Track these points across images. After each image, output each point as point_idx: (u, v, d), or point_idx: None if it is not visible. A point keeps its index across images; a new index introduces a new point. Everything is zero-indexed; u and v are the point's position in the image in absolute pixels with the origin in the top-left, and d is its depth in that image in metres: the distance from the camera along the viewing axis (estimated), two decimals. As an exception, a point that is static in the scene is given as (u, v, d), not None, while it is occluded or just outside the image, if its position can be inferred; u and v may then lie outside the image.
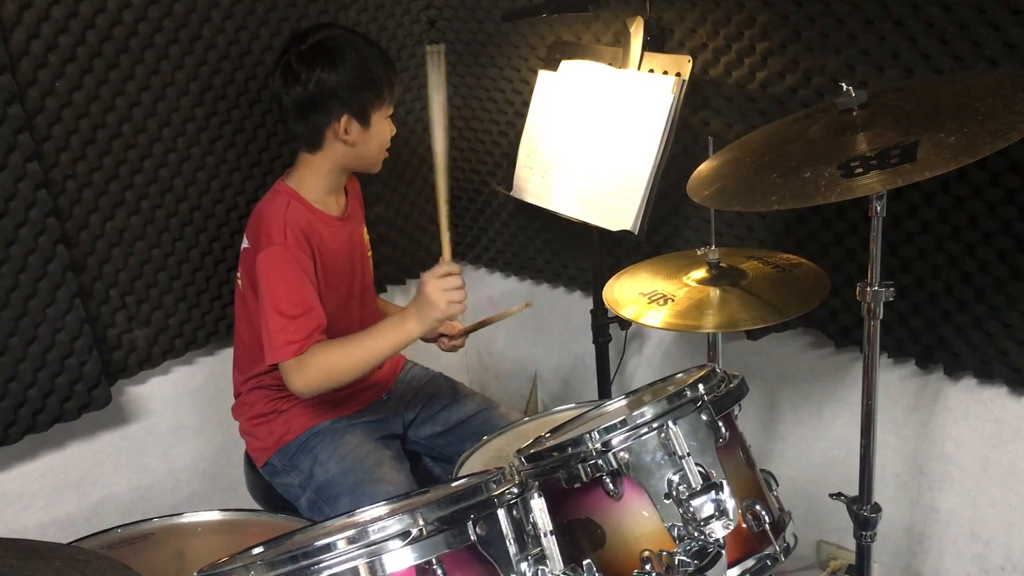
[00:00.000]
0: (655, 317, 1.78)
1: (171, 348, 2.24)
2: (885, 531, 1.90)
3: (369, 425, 2.08)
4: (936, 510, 2.13)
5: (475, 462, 1.82)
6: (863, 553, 1.79)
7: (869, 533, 1.76)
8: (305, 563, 1.11)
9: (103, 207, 2.04)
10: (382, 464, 1.98)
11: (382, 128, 1.99)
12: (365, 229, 2.17)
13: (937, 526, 2.14)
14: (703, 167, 1.72)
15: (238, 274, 2.03)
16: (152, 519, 1.72)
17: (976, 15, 1.68)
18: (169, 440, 2.35)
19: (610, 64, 2.13)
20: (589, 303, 2.41)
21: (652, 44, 2.09)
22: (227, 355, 2.34)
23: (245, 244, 1.98)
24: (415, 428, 2.18)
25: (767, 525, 1.37)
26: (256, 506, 2.12)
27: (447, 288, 1.82)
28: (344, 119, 1.91)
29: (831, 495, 1.79)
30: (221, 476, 2.44)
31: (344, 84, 1.89)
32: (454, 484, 1.32)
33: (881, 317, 1.63)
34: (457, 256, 2.87)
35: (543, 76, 2.26)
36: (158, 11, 2.03)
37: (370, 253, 2.17)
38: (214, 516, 1.73)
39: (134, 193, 2.08)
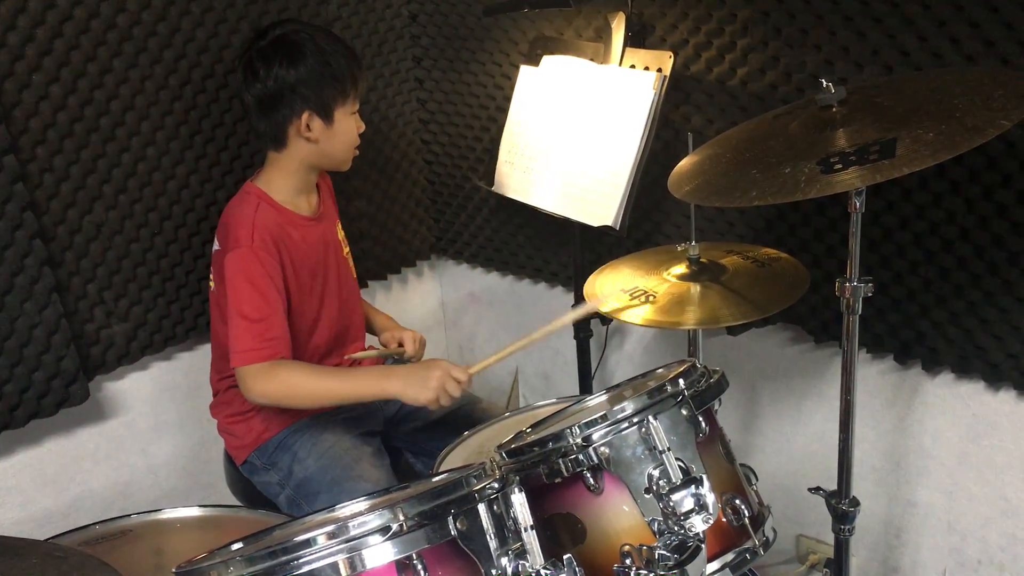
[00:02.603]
0: (636, 314, 1.79)
1: (150, 343, 2.22)
2: (863, 525, 1.91)
3: (349, 421, 2.07)
4: (913, 504, 2.14)
5: (456, 457, 1.82)
6: (841, 547, 1.80)
7: (847, 527, 1.77)
8: (284, 559, 1.11)
9: (81, 201, 2.02)
10: (361, 461, 1.97)
11: (348, 125, 1.97)
12: (339, 226, 2.16)
13: (914, 520, 2.16)
14: (683, 163, 1.72)
15: (211, 275, 2.02)
16: (130, 515, 1.71)
17: (954, 12, 1.69)
18: (148, 436, 2.34)
19: (592, 60, 2.14)
20: (571, 298, 2.42)
21: (633, 40, 2.09)
22: (207, 351, 2.32)
23: (216, 246, 1.97)
24: (396, 424, 2.17)
25: (747, 519, 1.38)
26: (236, 502, 2.11)
27: (450, 387, 1.82)
28: (306, 116, 1.90)
29: (810, 489, 1.81)
30: (200, 472, 2.42)
31: (304, 80, 1.88)
32: (434, 479, 1.32)
33: (860, 313, 1.64)
34: (439, 251, 2.90)
35: (525, 71, 2.26)
36: (136, 3, 2.01)
37: (347, 249, 2.16)
38: (193, 512, 1.73)
39: (112, 187, 2.07)
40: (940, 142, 1.34)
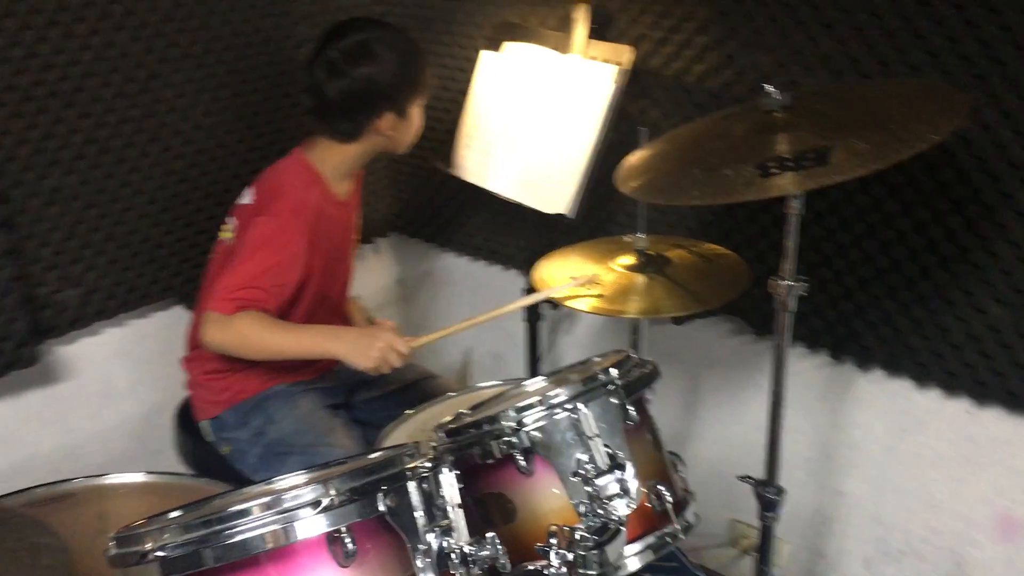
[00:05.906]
0: (583, 302, 1.84)
1: (103, 309, 2.23)
2: (794, 512, 1.98)
3: (322, 392, 2.13)
4: (842, 494, 2.22)
5: (401, 434, 1.86)
6: (767, 533, 1.87)
7: (773, 514, 1.84)
8: (218, 528, 1.13)
9: (38, 165, 2.03)
10: (335, 430, 2.03)
11: (417, 117, 2.04)
12: (358, 214, 2.20)
13: (842, 509, 2.24)
14: (631, 158, 1.76)
15: (228, 226, 2.03)
16: (74, 479, 1.70)
17: (902, 23, 1.74)
18: (98, 401, 2.36)
19: (554, 49, 2.17)
20: (523, 282, 2.45)
21: (596, 32, 2.12)
22: (160, 318, 2.35)
23: (248, 200, 2.00)
24: (357, 392, 2.22)
25: (669, 504, 1.43)
26: (183, 469, 2.13)
27: (391, 358, 1.86)
28: (386, 115, 1.96)
29: (739, 477, 1.87)
30: (149, 438, 2.44)
31: (389, 81, 1.94)
32: (369, 456, 1.36)
33: (794, 310, 1.69)
34: (397, 229, 2.92)
35: (486, 56, 2.28)
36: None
37: (356, 237, 2.21)
38: (138, 478, 1.73)
39: (70, 152, 2.07)
40: (872, 152, 1.40)
